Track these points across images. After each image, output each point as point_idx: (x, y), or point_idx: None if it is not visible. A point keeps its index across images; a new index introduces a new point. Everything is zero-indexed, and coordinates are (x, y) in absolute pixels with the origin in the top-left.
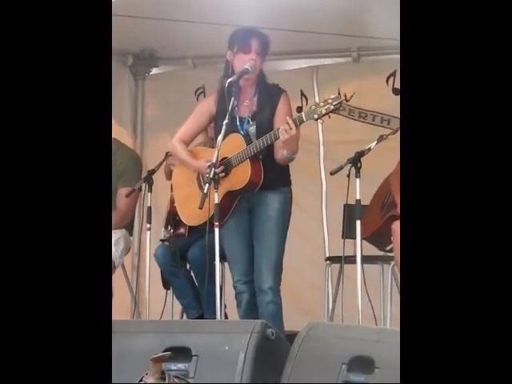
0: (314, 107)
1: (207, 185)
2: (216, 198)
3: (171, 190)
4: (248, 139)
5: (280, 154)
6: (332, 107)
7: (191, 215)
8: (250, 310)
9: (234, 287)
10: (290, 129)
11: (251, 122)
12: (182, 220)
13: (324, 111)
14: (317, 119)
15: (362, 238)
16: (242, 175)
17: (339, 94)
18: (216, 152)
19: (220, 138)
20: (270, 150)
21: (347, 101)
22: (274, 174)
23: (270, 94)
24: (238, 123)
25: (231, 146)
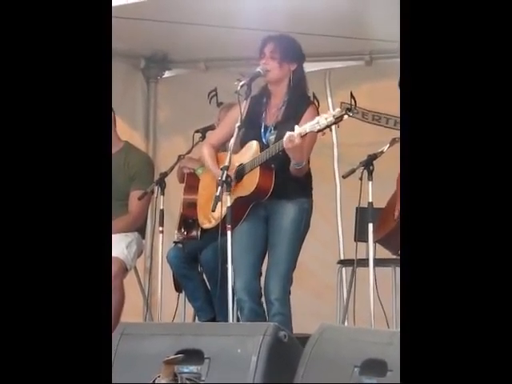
0: (317, 119)
1: (219, 187)
2: (228, 201)
3: (183, 193)
4: (266, 148)
5: (291, 165)
6: (334, 120)
7: (206, 218)
8: (253, 317)
9: (236, 293)
10: (294, 138)
11: (273, 132)
12: (199, 223)
13: (326, 123)
14: (318, 131)
15: (375, 241)
16: (250, 181)
17: (353, 97)
18: (228, 155)
19: (232, 140)
20: (288, 159)
21: (349, 115)
22: (291, 183)
23: (297, 106)
24: (262, 131)
25: (248, 152)
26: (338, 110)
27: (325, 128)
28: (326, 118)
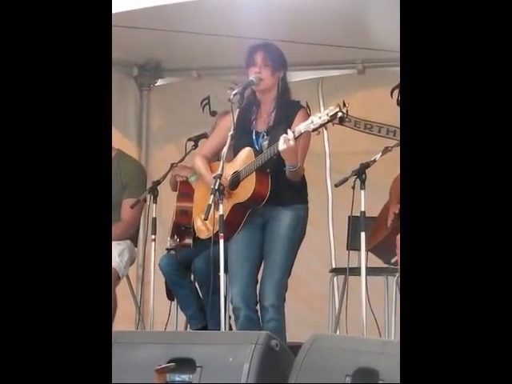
0: (311, 119)
1: (212, 196)
2: (221, 209)
3: (176, 201)
4: (259, 154)
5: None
6: (328, 118)
7: (202, 228)
8: (248, 325)
9: (231, 301)
10: (289, 140)
11: (265, 137)
12: (197, 233)
13: (320, 122)
14: (313, 130)
15: (368, 250)
16: (247, 187)
17: (345, 105)
18: (221, 163)
19: (225, 149)
20: (284, 164)
21: (343, 113)
22: (288, 190)
23: (287, 110)
24: (253, 137)
25: (242, 159)
26: (331, 107)
27: (319, 127)
28: (319, 117)
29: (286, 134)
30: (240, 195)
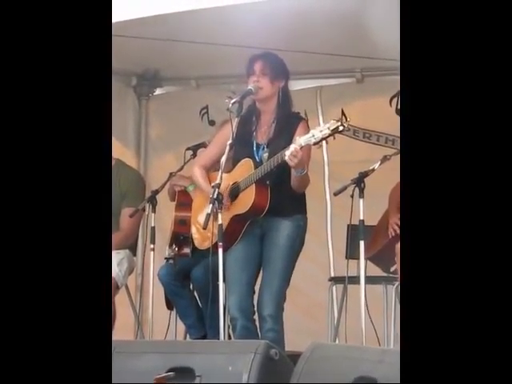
0: (312, 133)
1: (211, 205)
2: (220, 218)
3: (175, 210)
4: (260, 165)
5: (292, 176)
6: (329, 132)
7: (202, 239)
8: (245, 334)
9: (228, 311)
10: (296, 157)
11: (266, 149)
12: (195, 244)
13: (321, 136)
14: (314, 144)
15: (366, 258)
16: (246, 199)
17: (343, 114)
18: (220, 172)
19: (223, 158)
20: (284, 176)
21: (344, 127)
22: (287, 200)
23: (288, 122)
24: (254, 149)
25: (242, 170)
26: (332, 121)
27: (320, 141)
28: (320, 131)
29: (287, 147)
30: (239, 207)
